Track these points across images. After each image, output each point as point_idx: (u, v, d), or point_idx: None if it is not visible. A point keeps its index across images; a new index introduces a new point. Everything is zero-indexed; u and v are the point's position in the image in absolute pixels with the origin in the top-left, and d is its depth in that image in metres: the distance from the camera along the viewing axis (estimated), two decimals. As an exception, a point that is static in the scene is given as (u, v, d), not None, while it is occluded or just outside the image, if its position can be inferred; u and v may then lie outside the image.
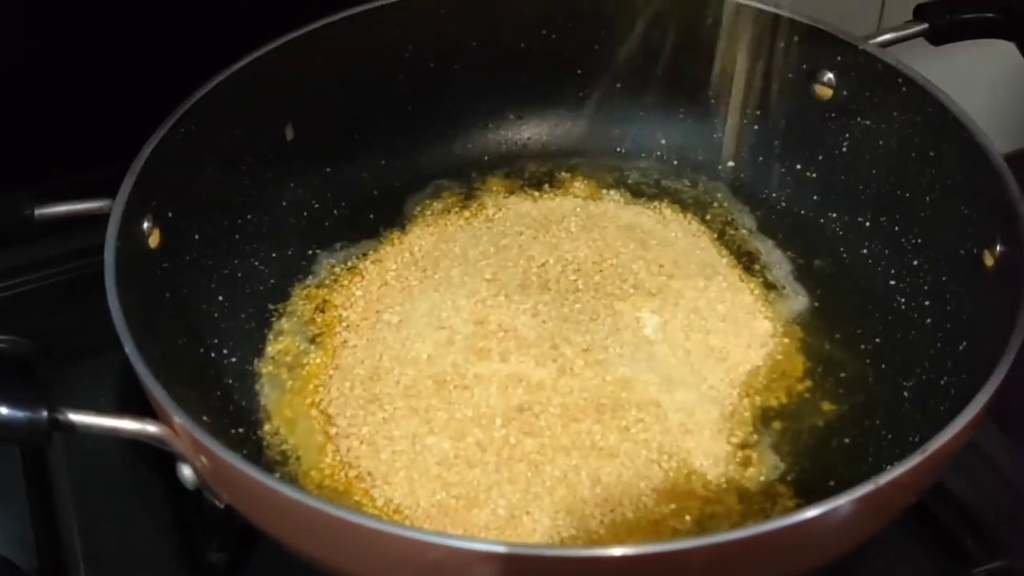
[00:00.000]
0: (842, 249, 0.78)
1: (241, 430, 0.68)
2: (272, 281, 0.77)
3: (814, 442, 0.68)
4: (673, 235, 0.79)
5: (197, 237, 0.73)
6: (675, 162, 0.85)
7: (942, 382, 0.66)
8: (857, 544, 0.59)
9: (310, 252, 0.79)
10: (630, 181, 0.84)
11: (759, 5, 0.79)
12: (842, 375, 0.71)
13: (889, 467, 0.53)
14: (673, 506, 0.64)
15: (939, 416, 0.58)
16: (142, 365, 0.58)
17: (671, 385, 0.69)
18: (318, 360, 0.72)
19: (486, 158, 0.86)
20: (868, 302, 0.75)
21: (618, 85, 0.85)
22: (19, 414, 0.56)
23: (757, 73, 0.80)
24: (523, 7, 0.83)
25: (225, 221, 0.76)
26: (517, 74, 0.85)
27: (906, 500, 0.58)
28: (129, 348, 0.59)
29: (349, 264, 0.78)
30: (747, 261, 0.78)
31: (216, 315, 0.74)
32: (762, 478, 0.66)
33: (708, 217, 0.81)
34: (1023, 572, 0.65)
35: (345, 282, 0.77)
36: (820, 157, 0.80)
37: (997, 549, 0.66)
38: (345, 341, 0.73)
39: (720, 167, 0.84)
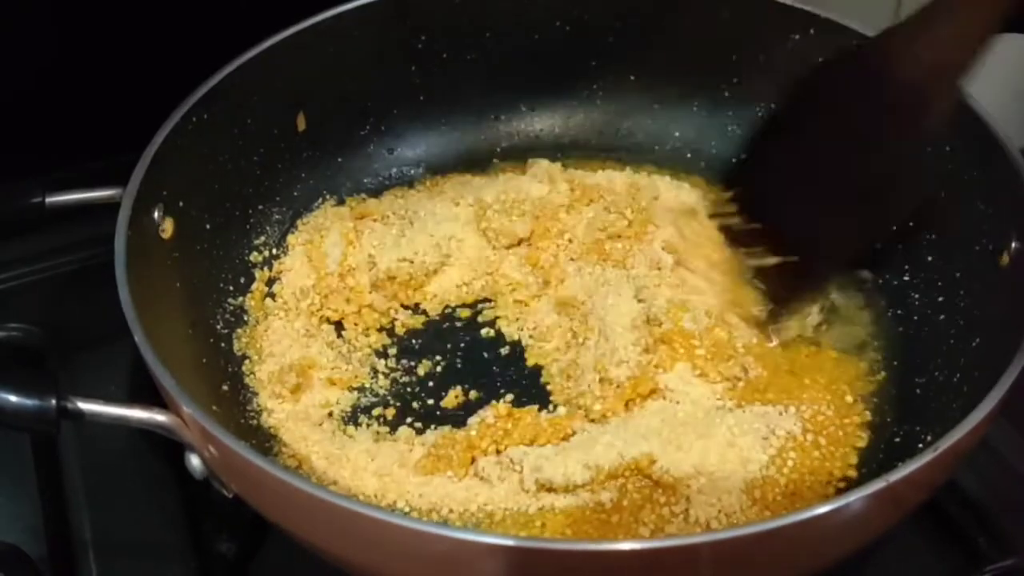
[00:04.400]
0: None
1: (251, 421, 0.68)
2: (283, 271, 0.77)
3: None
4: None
5: (208, 227, 0.73)
6: (688, 155, 0.84)
7: (955, 379, 0.66)
8: (869, 541, 0.58)
9: (321, 243, 0.79)
10: (643, 173, 0.83)
11: (775, -2, 0.79)
12: (855, 371, 0.70)
13: (901, 464, 0.53)
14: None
15: (952, 414, 0.58)
16: (151, 354, 0.58)
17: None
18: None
19: (498, 149, 0.86)
20: (881, 298, 0.74)
21: (632, 77, 0.85)
22: (28, 402, 0.56)
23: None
24: (537, -1, 0.83)
25: (236, 211, 0.76)
26: (530, 65, 0.84)
27: (918, 497, 0.58)
28: (139, 337, 0.59)
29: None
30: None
31: (226, 305, 0.74)
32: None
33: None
34: (1036, 571, 0.65)
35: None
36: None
37: (1009, 547, 0.66)
38: (355, 332, 0.73)
39: (734, 160, 0.83)
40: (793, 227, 0.71)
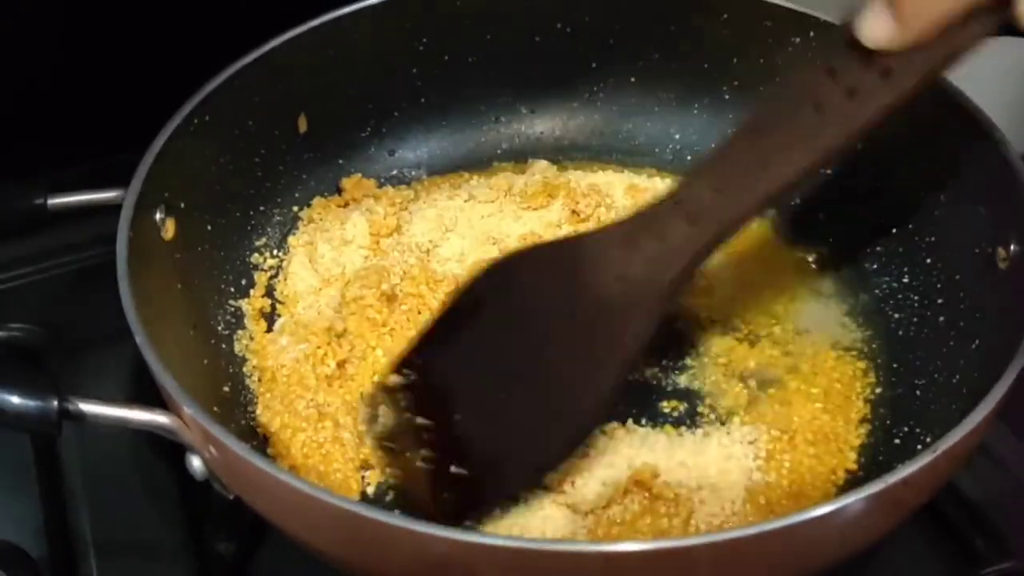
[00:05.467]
0: (855, 247, 0.77)
1: (251, 422, 0.68)
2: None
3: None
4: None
5: (209, 228, 0.73)
6: (688, 157, 0.85)
7: (954, 381, 0.66)
8: (867, 543, 0.59)
9: (322, 244, 0.79)
10: (643, 176, 0.83)
11: (773, 0, 0.79)
12: (853, 372, 0.70)
13: (900, 466, 0.53)
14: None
15: (951, 415, 0.58)
16: (153, 355, 0.58)
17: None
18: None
19: (498, 151, 0.86)
20: (881, 300, 0.74)
21: (632, 80, 0.85)
22: (30, 403, 0.56)
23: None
24: (537, 1, 0.82)
25: (237, 212, 0.76)
26: (530, 68, 0.85)
27: (917, 499, 0.58)
28: (140, 338, 0.59)
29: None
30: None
31: (227, 306, 0.74)
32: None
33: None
34: (1033, 573, 0.65)
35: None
36: (834, 154, 0.80)
37: (1007, 549, 0.66)
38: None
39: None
40: (470, 433, 0.61)
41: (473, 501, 0.61)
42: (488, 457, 0.60)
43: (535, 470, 0.62)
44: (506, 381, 0.61)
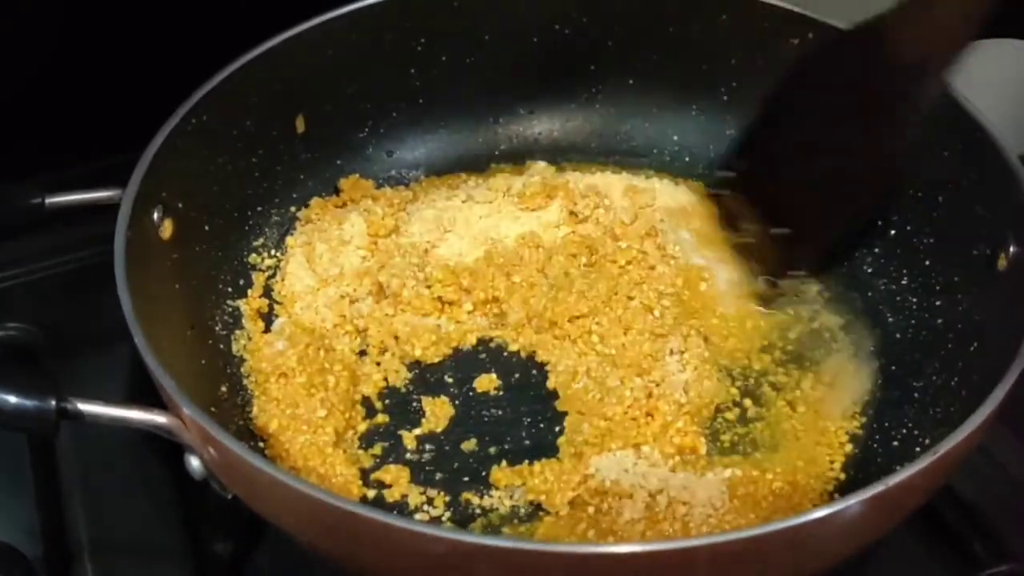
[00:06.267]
0: (853, 248, 0.77)
1: (249, 423, 0.68)
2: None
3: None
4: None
5: (207, 228, 0.73)
6: (687, 159, 0.85)
7: (953, 383, 0.66)
8: (866, 545, 0.59)
9: (320, 245, 0.79)
10: (641, 177, 0.83)
11: (771, 1, 0.79)
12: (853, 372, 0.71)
13: (899, 468, 0.53)
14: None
15: (950, 418, 0.58)
16: (151, 356, 0.58)
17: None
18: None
19: (496, 152, 0.86)
20: (879, 302, 0.74)
21: (630, 81, 0.85)
22: (27, 403, 0.56)
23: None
24: (536, 2, 0.82)
25: (235, 213, 0.76)
26: (529, 69, 0.84)
27: (915, 502, 0.58)
28: (138, 338, 0.59)
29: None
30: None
31: (225, 306, 0.74)
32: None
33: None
34: (1032, 575, 0.65)
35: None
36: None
37: (1005, 552, 0.66)
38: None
39: (732, 164, 0.83)
40: (788, 202, 0.74)
41: (795, 256, 0.74)
42: (807, 216, 0.73)
43: (847, 220, 0.74)
44: (817, 151, 0.72)
